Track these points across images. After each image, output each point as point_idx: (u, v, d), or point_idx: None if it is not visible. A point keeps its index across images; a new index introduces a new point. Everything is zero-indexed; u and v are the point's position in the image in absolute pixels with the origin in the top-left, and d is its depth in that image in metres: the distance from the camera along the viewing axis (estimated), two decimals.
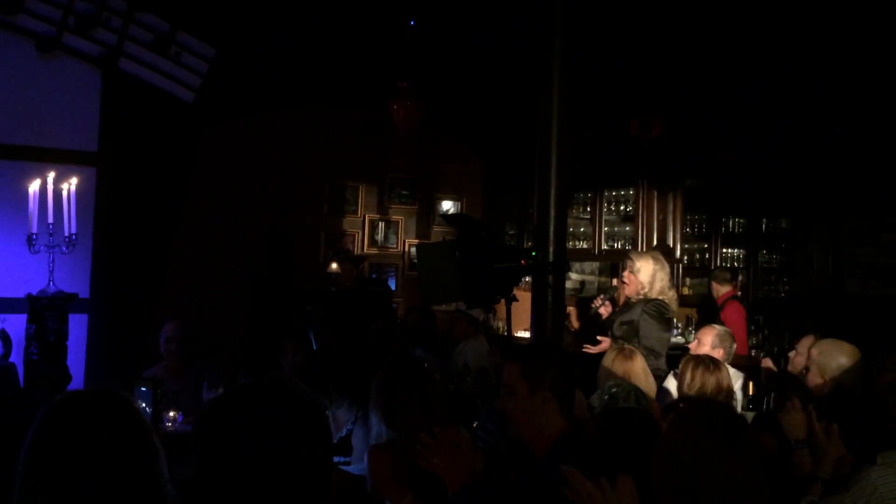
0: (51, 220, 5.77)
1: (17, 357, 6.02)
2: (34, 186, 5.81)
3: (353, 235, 9.35)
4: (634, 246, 8.93)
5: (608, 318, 6.20)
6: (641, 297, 5.84)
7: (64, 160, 6.59)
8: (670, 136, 8.71)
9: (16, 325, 6.05)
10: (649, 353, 5.49)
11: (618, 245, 9.11)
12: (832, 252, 8.31)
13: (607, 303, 6.33)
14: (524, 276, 4.37)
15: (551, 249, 4.53)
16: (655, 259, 5.98)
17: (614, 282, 5.11)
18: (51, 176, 5.83)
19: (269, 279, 8.26)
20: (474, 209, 9.99)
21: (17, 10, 6.43)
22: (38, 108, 6.71)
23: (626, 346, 5.13)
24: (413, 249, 9.46)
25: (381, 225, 9.55)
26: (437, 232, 9.72)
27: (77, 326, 6.43)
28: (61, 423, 1.76)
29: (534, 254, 4.36)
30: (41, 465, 1.71)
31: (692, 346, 5.86)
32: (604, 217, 9.18)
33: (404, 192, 9.69)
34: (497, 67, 8.40)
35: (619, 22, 7.07)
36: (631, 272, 5.93)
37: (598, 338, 6.00)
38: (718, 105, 8.36)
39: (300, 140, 8.82)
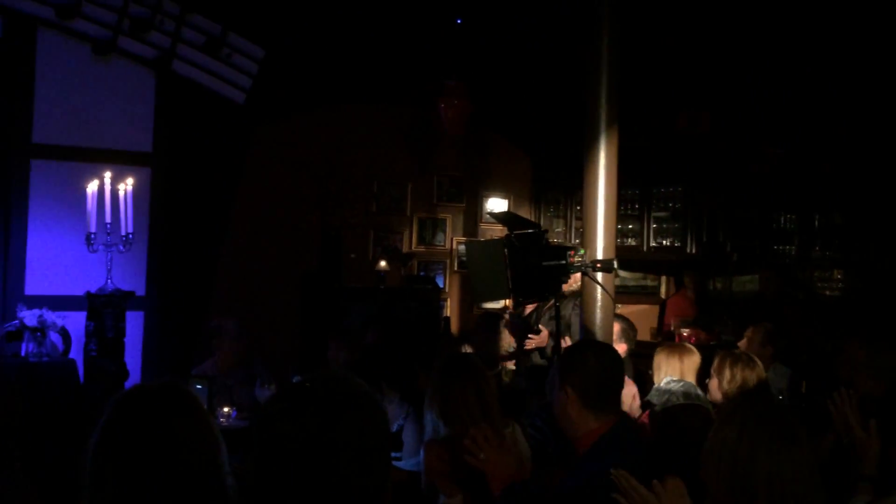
0: (108, 219, 5.90)
1: (76, 353, 6.18)
2: (92, 186, 5.94)
3: (402, 233, 9.40)
4: (683, 244, 8.84)
5: (532, 311, 6.17)
6: (572, 289, 5.87)
7: (120, 160, 6.73)
8: (718, 131, 8.62)
9: (76, 322, 6.20)
10: None
11: (666, 242, 9.02)
12: (888, 247, 8.13)
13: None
14: (572, 273, 4.38)
15: (600, 247, 4.54)
16: None
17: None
18: (107, 176, 5.95)
19: (319, 277, 8.32)
20: (521, 207, 9.99)
21: (74, 15, 6.57)
22: (95, 110, 6.84)
23: (680, 342, 5.11)
24: (461, 247, 9.47)
25: (430, 223, 9.59)
26: (485, 229, 9.73)
27: (133, 323, 6.58)
28: (130, 413, 1.83)
29: (582, 251, 4.37)
30: (111, 453, 1.78)
31: (742, 343, 5.85)
32: (652, 214, 9.09)
33: (452, 190, 9.71)
34: (545, 64, 8.39)
35: (666, 17, 7.03)
36: None
37: (530, 336, 5.97)
38: (767, 99, 8.24)
39: (349, 139, 8.88)
